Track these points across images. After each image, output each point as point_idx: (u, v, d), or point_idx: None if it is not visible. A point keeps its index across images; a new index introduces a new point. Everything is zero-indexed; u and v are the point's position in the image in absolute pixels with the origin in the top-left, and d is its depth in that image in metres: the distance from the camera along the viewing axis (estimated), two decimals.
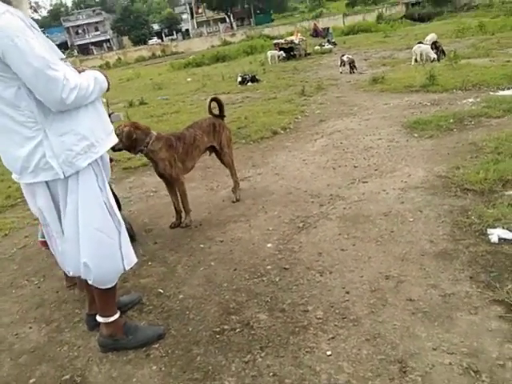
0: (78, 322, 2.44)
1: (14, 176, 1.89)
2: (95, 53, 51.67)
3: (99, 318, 2.12)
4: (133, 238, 3.44)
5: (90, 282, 2.00)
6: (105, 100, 2.41)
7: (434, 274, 2.36)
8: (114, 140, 2.02)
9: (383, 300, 2.21)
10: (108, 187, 1.96)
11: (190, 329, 2.24)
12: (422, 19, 29.38)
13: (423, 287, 2.26)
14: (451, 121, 5.08)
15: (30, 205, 1.97)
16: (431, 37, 11.83)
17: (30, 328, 2.48)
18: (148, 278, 2.80)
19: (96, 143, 1.84)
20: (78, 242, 1.88)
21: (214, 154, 3.83)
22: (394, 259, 2.56)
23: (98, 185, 1.87)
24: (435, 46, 10.65)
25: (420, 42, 11.09)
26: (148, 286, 2.70)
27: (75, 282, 2.67)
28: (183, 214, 3.52)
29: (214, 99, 3.73)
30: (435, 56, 9.97)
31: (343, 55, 11.04)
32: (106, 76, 1.97)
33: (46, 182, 1.80)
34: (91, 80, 1.82)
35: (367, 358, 1.85)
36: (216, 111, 3.75)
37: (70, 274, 2.05)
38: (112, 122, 2.58)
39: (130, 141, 3.13)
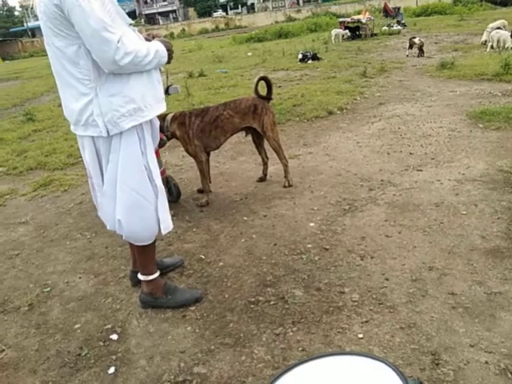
0: (123, 278, 2.58)
1: (71, 127, 2.02)
2: (161, 23, 52.62)
3: (140, 276, 2.24)
4: (178, 196, 3.57)
5: (123, 238, 2.12)
6: (163, 69, 2.47)
7: (482, 270, 2.25)
8: (164, 107, 2.07)
9: (423, 291, 2.15)
10: (152, 152, 2.02)
11: (227, 296, 2.30)
12: (504, 3, 27.11)
13: (468, 282, 2.17)
14: None
15: (82, 156, 2.10)
16: (499, 23, 10.93)
17: (80, 278, 2.66)
18: (191, 244, 2.89)
19: (144, 108, 1.90)
20: (114, 199, 1.99)
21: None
22: (440, 251, 2.47)
23: (140, 148, 1.95)
24: None
25: (498, 28, 10.30)
26: (191, 251, 2.79)
27: None
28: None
29: (263, 78, 3.50)
30: (510, 44, 9.25)
31: (414, 37, 10.45)
32: (168, 49, 1.99)
33: (93, 138, 1.92)
34: (152, 51, 1.87)
35: (399, 346, 1.82)
36: (264, 91, 3.52)
37: (108, 227, 2.17)
38: (170, 94, 2.63)
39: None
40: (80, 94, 1.83)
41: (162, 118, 3.30)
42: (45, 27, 1.77)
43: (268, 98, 3.53)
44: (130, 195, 1.97)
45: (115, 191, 1.97)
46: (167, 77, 2.62)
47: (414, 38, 10.41)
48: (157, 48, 1.91)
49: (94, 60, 1.76)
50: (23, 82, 15.68)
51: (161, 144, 2.90)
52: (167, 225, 2.11)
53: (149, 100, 1.93)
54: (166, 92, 2.50)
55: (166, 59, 1.98)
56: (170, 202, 3.57)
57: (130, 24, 1.90)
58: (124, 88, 1.84)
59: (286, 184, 3.62)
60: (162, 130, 3.29)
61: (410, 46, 10.29)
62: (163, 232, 2.10)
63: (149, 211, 2.03)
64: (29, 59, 31.77)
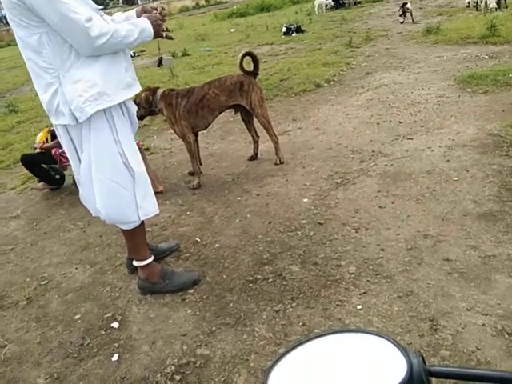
0: (120, 266, 2.57)
1: None
2: (140, 2, 51.16)
3: (135, 262, 2.25)
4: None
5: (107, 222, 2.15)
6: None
7: (476, 235, 2.27)
8: (135, 91, 2.03)
9: (419, 259, 2.17)
10: (128, 138, 1.99)
11: (225, 276, 2.31)
12: None
13: (462, 248, 2.19)
14: (510, 75, 4.70)
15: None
16: None
17: (76, 269, 2.65)
18: (186, 227, 2.88)
19: (110, 92, 1.86)
20: (92, 188, 1.98)
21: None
22: (433, 218, 2.48)
23: (112, 135, 1.92)
24: None
25: None
26: (186, 235, 2.78)
27: None
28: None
29: (248, 54, 3.44)
30: (495, 5, 9.12)
31: (405, 3, 10.07)
32: (158, 24, 1.98)
33: (66, 126, 1.91)
34: (135, 32, 1.86)
35: (398, 315, 1.85)
36: (250, 67, 3.45)
37: (93, 214, 2.17)
38: (163, 65, 2.60)
39: (149, 104, 3.27)
40: (47, 84, 1.83)
41: (152, 91, 3.33)
42: (8, 18, 1.77)
43: (254, 73, 3.46)
44: (106, 183, 1.96)
45: (91, 180, 1.96)
46: (159, 49, 2.58)
47: (406, 3, 10.08)
48: (143, 27, 1.90)
49: (55, 48, 1.76)
50: (2, 72, 15.26)
51: None
52: (147, 211, 2.09)
53: (114, 85, 1.89)
54: (160, 64, 2.49)
55: (150, 38, 1.97)
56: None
57: (100, 9, 1.90)
58: (87, 73, 1.82)
59: (278, 161, 3.59)
60: (153, 104, 3.33)
61: (404, 13, 9.99)
62: (142, 217, 2.09)
63: (126, 198, 2.01)
64: (6, 48, 30.93)
